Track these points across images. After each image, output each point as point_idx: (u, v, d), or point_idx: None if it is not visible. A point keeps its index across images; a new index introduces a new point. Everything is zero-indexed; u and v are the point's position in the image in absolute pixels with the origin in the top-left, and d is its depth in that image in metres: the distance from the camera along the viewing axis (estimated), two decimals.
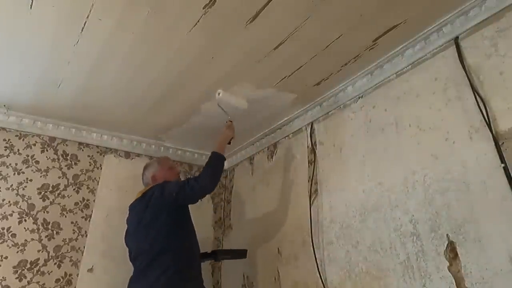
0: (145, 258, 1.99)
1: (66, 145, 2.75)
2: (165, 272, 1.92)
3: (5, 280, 2.29)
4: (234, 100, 2.22)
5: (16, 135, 2.60)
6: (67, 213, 2.59)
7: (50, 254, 2.45)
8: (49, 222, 2.51)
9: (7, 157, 2.53)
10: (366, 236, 1.88)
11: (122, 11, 1.65)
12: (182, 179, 2.33)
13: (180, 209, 2.13)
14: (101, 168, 2.81)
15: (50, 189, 2.59)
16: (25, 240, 2.41)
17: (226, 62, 2.00)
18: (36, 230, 2.46)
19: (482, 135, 1.49)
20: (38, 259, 2.41)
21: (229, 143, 2.28)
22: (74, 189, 2.67)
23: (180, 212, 2.12)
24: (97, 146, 2.85)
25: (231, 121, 2.31)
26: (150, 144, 3.01)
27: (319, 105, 2.38)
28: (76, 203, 2.64)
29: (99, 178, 2.78)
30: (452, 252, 1.50)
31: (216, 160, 2.14)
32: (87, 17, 1.68)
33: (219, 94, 2.16)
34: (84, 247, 2.57)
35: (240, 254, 2.52)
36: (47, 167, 2.63)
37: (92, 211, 2.68)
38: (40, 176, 2.59)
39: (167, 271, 1.92)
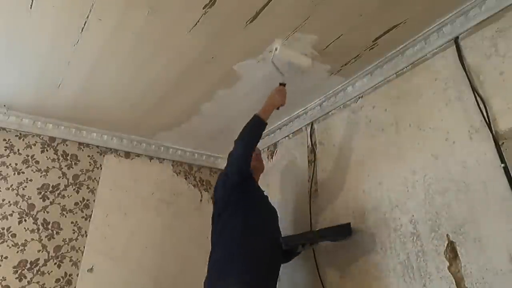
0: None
1: (66, 145, 2.75)
2: None
3: (5, 280, 2.28)
4: (295, 57, 1.79)
5: (16, 135, 2.60)
6: (67, 213, 2.59)
7: (50, 254, 2.45)
8: (49, 222, 2.51)
9: (7, 157, 2.53)
10: (366, 236, 1.88)
11: (122, 11, 1.65)
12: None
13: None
14: (101, 168, 2.81)
15: (50, 189, 2.59)
16: (25, 240, 2.41)
17: (226, 62, 2.00)
18: (36, 230, 2.46)
19: (482, 135, 1.49)
20: (38, 259, 2.41)
21: (278, 108, 1.94)
22: (74, 189, 2.67)
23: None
24: (97, 146, 2.85)
25: (284, 84, 1.94)
26: (150, 144, 3.01)
27: (319, 105, 2.38)
28: (76, 203, 2.64)
29: (99, 178, 2.78)
30: (452, 252, 1.50)
31: (253, 124, 1.84)
32: (87, 17, 1.68)
33: (276, 49, 1.80)
34: (84, 247, 2.57)
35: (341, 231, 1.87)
36: (47, 167, 2.63)
37: (92, 211, 2.68)
38: (40, 176, 2.59)
39: None
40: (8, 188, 2.47)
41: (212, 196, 1.98)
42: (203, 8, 1.63)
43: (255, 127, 1.86)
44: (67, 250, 2.51)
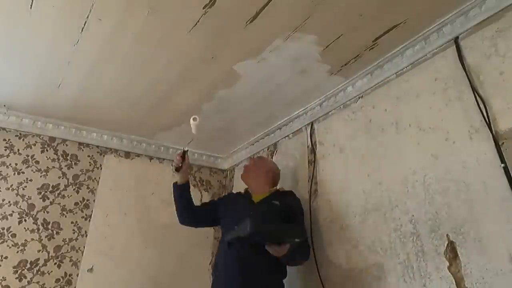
0: None
1: (66, 145, 2.75)
2: None
3: (5, 280, 2.29)
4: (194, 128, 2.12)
5: (16, 135, 2.60)
6: (67, 213, 2.59)
7: (50, 254, 2.45)
8: (49, 222, 2.51)
9: (7, 157, 2.53)
10: (366, 236, 1.88)
11: (122, 11, 1.65)
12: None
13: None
14: (101, 168, 2.81)
15: (50, 189, 2.59)
16: (25, 240, 2.41)
17: (226, 62, 2.00)
18: (36, 230, 2.46)
19: (482, 135, 1.49)
20: (38, 259, 2.41)
21: (177, 170, 2.17)
22: (74, 189, 2.67)
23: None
24: (97, 146, 2.85)
25: (184, 150, 2.19)
26: (150, 144, 3.01)
27: (319, 105, 2.38)
28: (76, 203, 2.64)
29: (99, 178, 2.78)
30: (452, 252, 1.50)
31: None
32: (87, 17, 1.68)
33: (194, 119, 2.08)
34: (84, 247, 2.57)
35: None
36: (47, 167, 2.63)
37: (92, 211, 2.68)
38: (40, 176, 2.59)
39: None
40: (8, 188, 2.47)
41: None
42: (203, 8, 1.63)
43: (173, 192, 2.27)
44: (67, 250, 2.51)
